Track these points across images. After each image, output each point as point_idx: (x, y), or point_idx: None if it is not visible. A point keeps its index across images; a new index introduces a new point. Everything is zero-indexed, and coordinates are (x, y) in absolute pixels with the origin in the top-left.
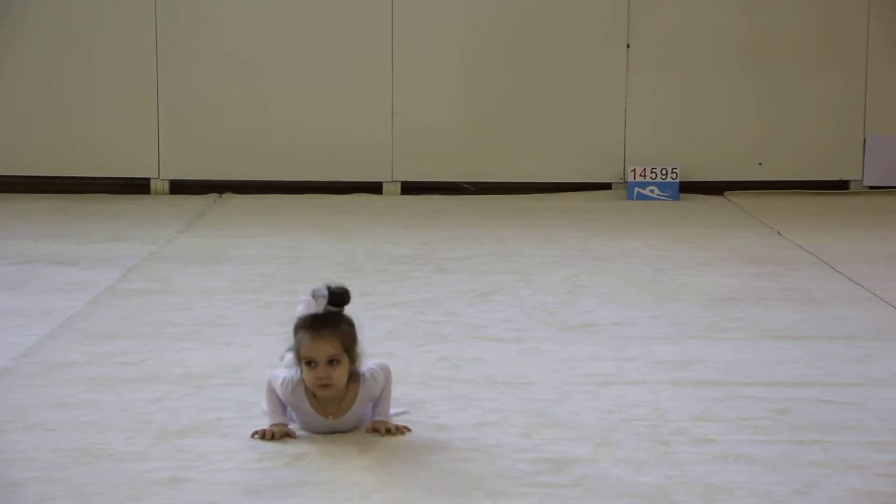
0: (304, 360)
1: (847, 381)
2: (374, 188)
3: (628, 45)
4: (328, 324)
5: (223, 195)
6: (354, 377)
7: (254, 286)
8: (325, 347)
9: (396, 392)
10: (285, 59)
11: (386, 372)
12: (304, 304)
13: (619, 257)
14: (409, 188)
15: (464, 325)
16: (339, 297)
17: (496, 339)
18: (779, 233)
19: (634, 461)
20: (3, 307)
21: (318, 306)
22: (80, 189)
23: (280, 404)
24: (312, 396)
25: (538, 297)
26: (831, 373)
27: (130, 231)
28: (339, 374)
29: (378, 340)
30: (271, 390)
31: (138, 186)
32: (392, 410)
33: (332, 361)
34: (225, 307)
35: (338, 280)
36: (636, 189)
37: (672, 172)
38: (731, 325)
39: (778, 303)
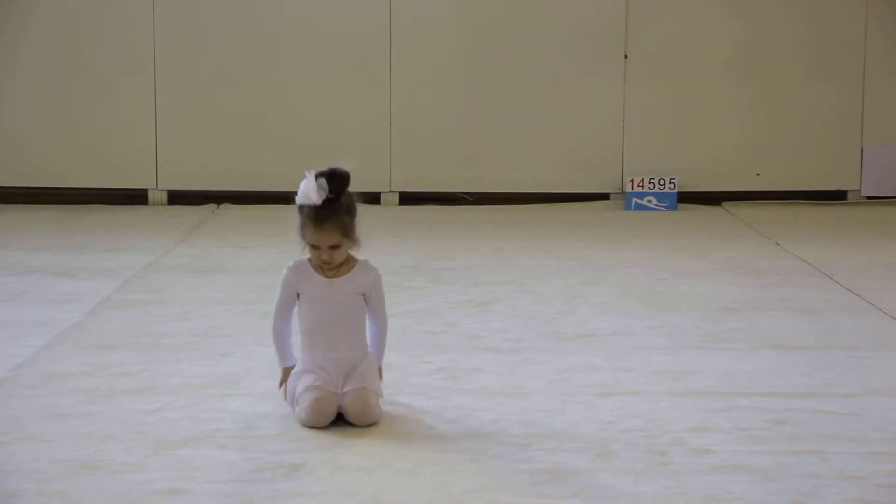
0: (309, 243)
1: (845, 392)
2: (373, 198)
3: (626, 56)
4: (329, 216)
5: (221, 206)
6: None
7: (252, 297)
8: (327, 238)
9: (396, 402)
10: (283, 69)
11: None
12: (306, 190)
13: (617, 267)
14: (407, 198)
15: (462, 336)
16: (337, 184)
17: (494, 349)
18: (777, 243)
19: (633, 472)
20: (1, 318)
21: (318, 198)
22: (78, 200)
23: (287, 345)
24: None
25: (536, 308)
26: (829, 383)
27: (128, 242)
28: (340, 255)
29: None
30: (277, 329)
31: (136, 197)
32: None
33: (333, 246)
34: (223, 318)
35: (339, 162)
36: (634, 199)
37: (670, 183)
38: (729, 336)
39: (776, 313)
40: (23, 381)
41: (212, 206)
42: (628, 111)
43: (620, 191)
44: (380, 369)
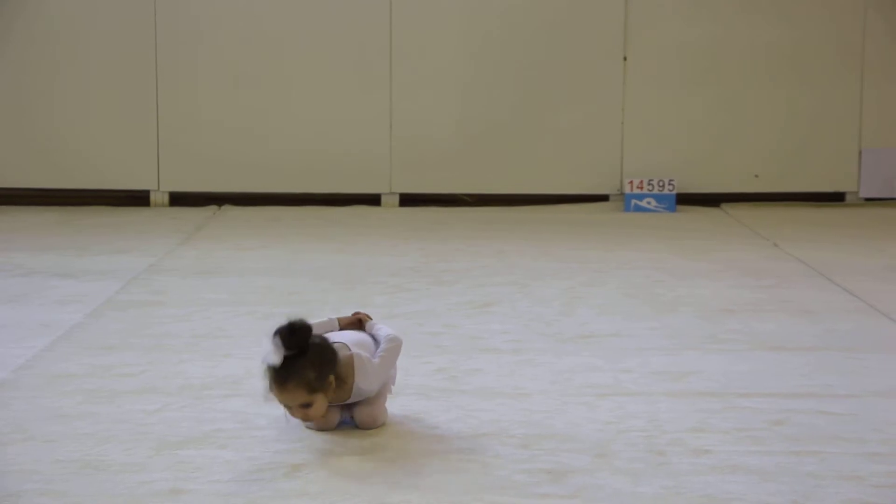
0: (280, 404)
1: (843, 393)
2: (373, 200)
3: (625, 58)
4: (290, 376)
5: (222, 207)
6: (347, 364)
7: (253, 298)
8: (292, 398)
9: (396, 403)
10: (284, 71)
11: (391, 350)
12: (266, 350)
13: (617, 269)
14: (408, 200)
15: (462, 337)
16: (293, 341)
17: (494, 350)
18: (775, 245)
19: (632, 472)
20: (3, 319)
21: (277, 357)
22: (80, 201)
23: None
24: None
25: (536, 309)
26: (828, 384)
27: (130, 243)
28: (316, 410)
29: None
30: None
31: (138, 199)
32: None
33: (304, 405)
34: (224, 319)
35: (298, 312)
36: (633, 201)
37: (669, 184)
38: (728, 337)
39: (774, 314)
40: (25, 383)
41: (213, 208)
42: (627, 113)
43: (619, 192)
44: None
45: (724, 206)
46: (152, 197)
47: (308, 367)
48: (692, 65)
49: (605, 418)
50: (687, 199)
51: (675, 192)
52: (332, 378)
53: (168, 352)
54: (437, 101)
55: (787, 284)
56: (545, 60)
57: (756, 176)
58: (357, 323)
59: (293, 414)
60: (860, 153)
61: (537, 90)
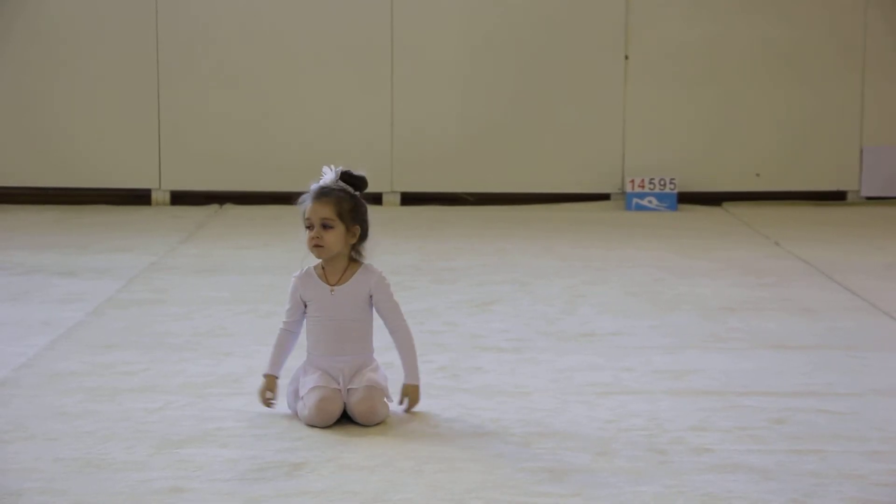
0: (305, 224)
1: (844, 391)
2: (374, 199)
3: (627, 57)
4: (329, 193)
5: (224, 206)
6: (357, 258)
7: (254, 297)
8: (320, 211)
9: (397, 401)
10: (285, 70)
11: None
12: (322, 178)
13: (618, 267)
14: (409, 199)
15: (463, 335)
16: (348, 178)
17: (495, 348)
18: (776, 243)
19: (633, 470)
20: (4, 318)
21: (328, 180)
22: (81, 200)
23: (282, 355)
24: (321, 269)
25: (537, 308)
26: (828, 383)
27: (131, 242)
28: (331, 238)
29: (378, 350)
30: (281, 336)
31: (139, 197)
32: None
33: (325, 226)
34: (225, 317)
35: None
36: (634, 200)
37: (670, 183)
38: (729, 336)
39: (775, 313)
40: (26, 381)
41: (214, 207)
42: (629, 112)
43: (621, 191)
44: (417, 388)
45: (726, 204)
46: (153, 195)
47: (347, 199)
48: (693, 63)
49: (606, 417)
50: (688, 198)
51: (676, 190)
52: (357, 229)
53: (169, 350)
54: (438, 100)
55: (788, 283)
56: (546, 59)
57: (757, 175)
58: None
59: (310, 238)
60: (861, 151)
61: (538, 89)
